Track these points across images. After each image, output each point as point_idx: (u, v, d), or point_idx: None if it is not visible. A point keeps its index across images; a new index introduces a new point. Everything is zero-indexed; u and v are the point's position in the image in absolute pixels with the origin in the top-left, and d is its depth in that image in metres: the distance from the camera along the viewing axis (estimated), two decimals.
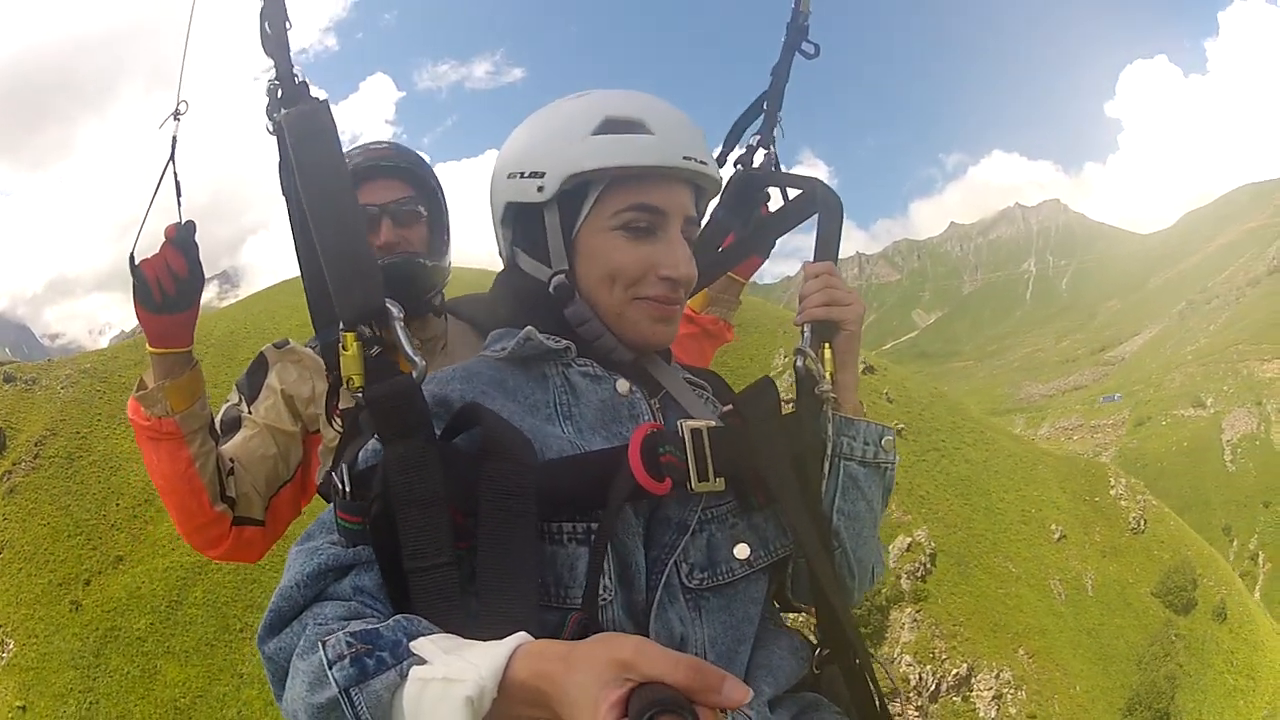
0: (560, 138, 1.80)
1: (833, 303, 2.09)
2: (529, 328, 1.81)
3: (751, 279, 3.22)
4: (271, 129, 2.05)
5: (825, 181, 2.37)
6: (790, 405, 2.06)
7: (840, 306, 2.08)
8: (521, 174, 1.83)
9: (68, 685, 41.83)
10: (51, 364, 60.57)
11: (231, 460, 2.69)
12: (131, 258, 2.25)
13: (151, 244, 2.29)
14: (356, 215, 1.78)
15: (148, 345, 2.40)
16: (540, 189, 1.80)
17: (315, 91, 2.02)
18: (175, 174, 2.18)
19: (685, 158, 1.78)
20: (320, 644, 1.33)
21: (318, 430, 2.85)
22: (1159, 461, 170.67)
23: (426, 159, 3.04)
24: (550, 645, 1.21)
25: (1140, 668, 62.88)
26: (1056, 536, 67.74)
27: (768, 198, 2.75)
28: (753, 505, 1.87)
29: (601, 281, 1.82)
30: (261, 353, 2.94)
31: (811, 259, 2.19)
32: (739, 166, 2.44)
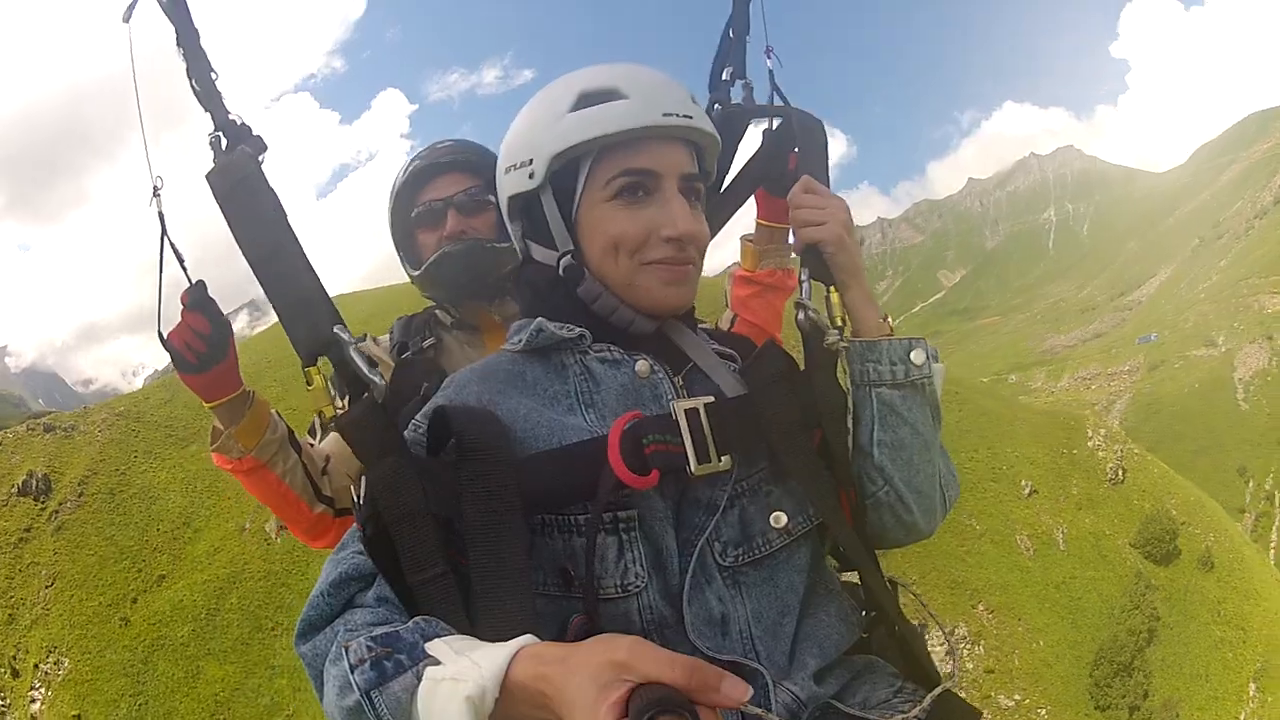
0: (541, 122, 1.83)
1: (806, 223, 2.06)
2: (539, 319, 1.84)
3: None
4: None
5: (802, 109, 2.42)
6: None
7: (814, 226, 2.05)
8: (514, 165, 1.87)
9: (119, 691, 45.22)
10: (88, 410, 62.74)
11: (327, 458, 2.83)
12: (160, 334, 2.41)
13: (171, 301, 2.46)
14: (295, 251, 1.82)
15: (203, 401, 2.54)
16: (531, 175, 1.82)
17: (256, 134, 2.05)
18: (173, 245, 2.29)
19: (665, 114, 1.78)
20: (344, 649, 1.37)
21: None
22: (1173, 405, 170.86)
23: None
24: (550, 647, 1.24)
25: (1112, 620, 61.26)
26: (1026, 492, 66.90)
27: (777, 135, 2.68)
28: (787, 471, 1.83)
29: (606, 253, 1.82)
30: None
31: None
32: (717, 106, 2.51)
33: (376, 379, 1.70)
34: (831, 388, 1.95)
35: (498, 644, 1.28)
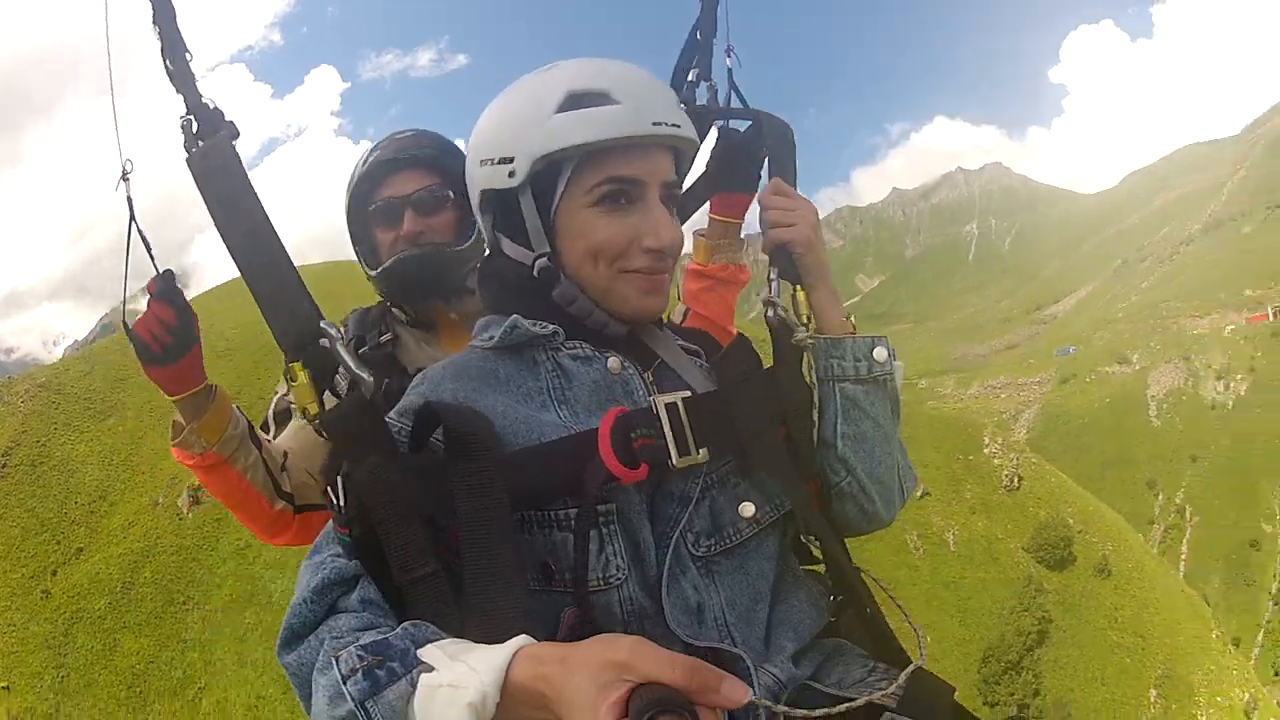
0: (525, 119, 1.77)
1: (776, 224, 2.11)
2: (515, 316, 1.82)
3: None
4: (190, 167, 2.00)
5: (769, 112, 2.44)
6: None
7: (784, 228, 2.09)
8: (492, 160, 1.81)
9: (43, 664, 45.43)
10: (11, 381, 63.28)
11: (285, 453, 2.75)
12: (125, 324, 2.33)
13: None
14: (276, 244, 1.76)
15: (165, 395, 2.47)
16: (511, 174, 1.78)
17: (230, 118, 2.02)
18: (140, 231, 2.21)
19: (655, 123, 1.75)
20: (334, 659, 1.36)
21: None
22: (1082, 418, 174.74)
23: (460, 145, 3.01)
24: (548, 647, 1.24)
25: (1001, 620, 63.05)
26: (919, 494, 66.78)
27: (736, 133, 2.72)
28: (752, 464, 1.87)
29: (585, 259, 1.80)
30: None
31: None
32: (683, 106, 2.25)
33: (365, 375, 1.69)
34: (798, 383, 2.01)
35: (493, 646, 1.28)
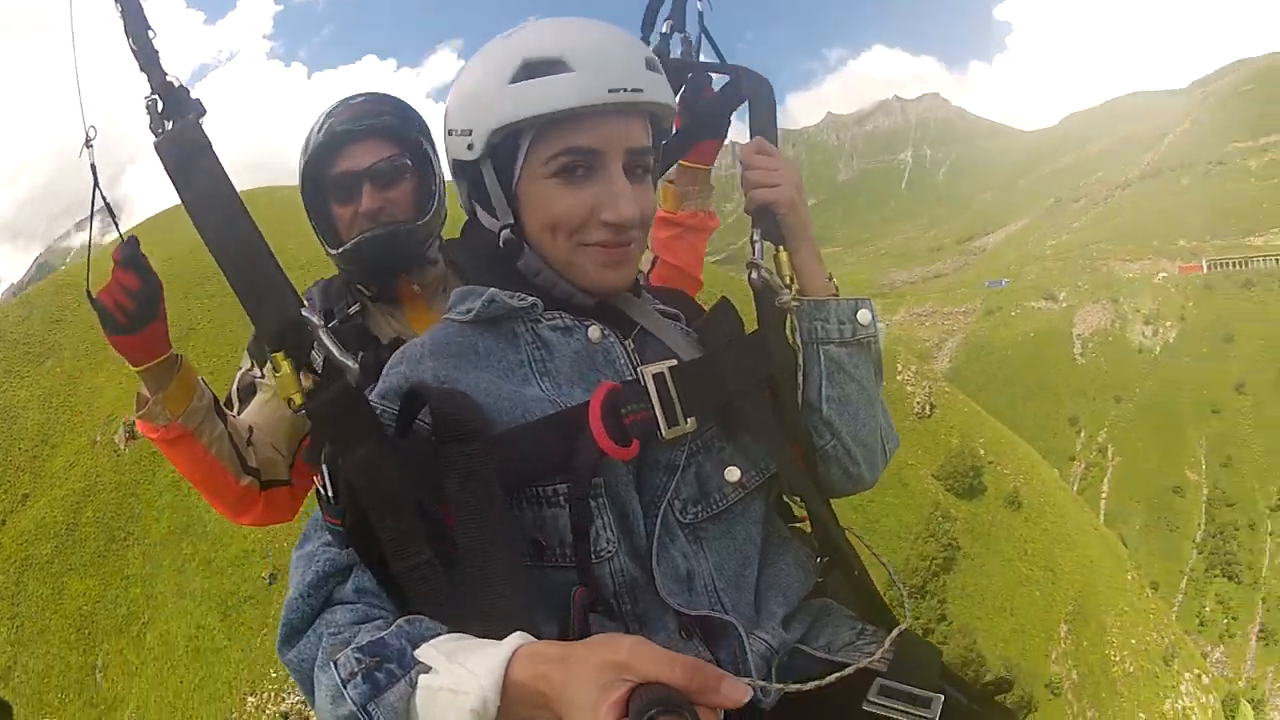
0: (482, 90, 1.75)
1: (759, 184, 2.09)
2: (492, 289, 1.82)
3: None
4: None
5: (747, 67, 2.41)
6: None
7: (767, 188, 2.07)
8: (455, 132, 1.82)
9: None
10: None
11: (250, 428, 2.76)
12: (89, 292, 2.30)
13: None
14: (252, 231, 1.70)
15: (130, 365, 2.46)
16: (470, 146, 1.77)
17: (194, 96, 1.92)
18: (104, 198, 2.22)
19: (611, 90, 1.69)
20: (332, 663, 1.37)
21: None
22: (1005, 350, 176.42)
23: (416, 112, 3.03)
24: (548, 646, 1.24)
25: (906, 545, 64.65)
26: None
27: (707, 80, 2.70)
28: (738, 428, 1.90)
29: (544, 231, 1.79)
30: None
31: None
32: (656, 61, 2.18)
33: (350, 362, 1.66)
34: (782, 345, 2.01)
35: (491, 645, 1.29)
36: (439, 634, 1.42)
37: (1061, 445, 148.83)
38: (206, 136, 1.76)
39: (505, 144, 1.74)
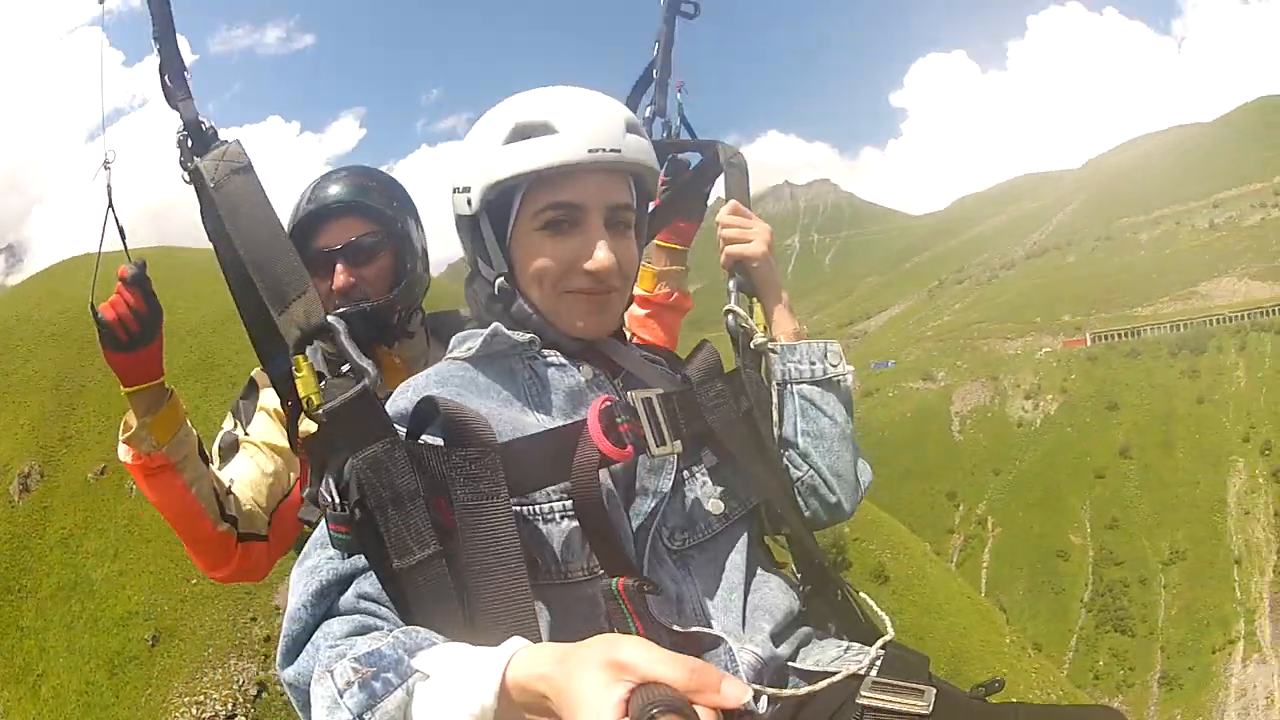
0: (479, 150, 1.93)
1: (735, 241, 2.35)
2: (495, 325, 1.95)
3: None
4: (188, 179, 2.05)
5: (724, 142, 2.64)
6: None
7: (742, 244, 2.34)
8: (457, 189, 1.98)
9: None
10: None
11: (230, 480, 2.78)
12: (92, 306, 2.36)
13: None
14: (289, 251, 1.83)
15: (123, 387, 2.50)
16: (469, 202, 1.94)
17: (224, 136, 2.06)
18: (117, 219, 2.30)
19: (591, 150, 1.86)
20: (329, 674, 1.40)
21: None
22: (881, 430, 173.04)
23: (398, 181, 3.16)
24: (546, 648, 1.26)
25: None
26: None
27: (687, 165, 2.87)
28: (721, 461, 2.05)
29: (532, 280, 1.94)
30: (251, 376, 3.09)
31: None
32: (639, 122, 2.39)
33: (368, 365, 1.73)
34: (759, 384, 2.21)
35: (489, 650, 1.30)
36: (435, 642, 1.44)
37: (939, 519, 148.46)
38: (263, 188, 1.90)
39: (500, 200, 1.91)
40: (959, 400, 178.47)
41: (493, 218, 1.94)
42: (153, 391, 2.50)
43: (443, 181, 2.08)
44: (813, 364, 2.21)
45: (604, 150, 1.87)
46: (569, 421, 1.86)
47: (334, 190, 2.90)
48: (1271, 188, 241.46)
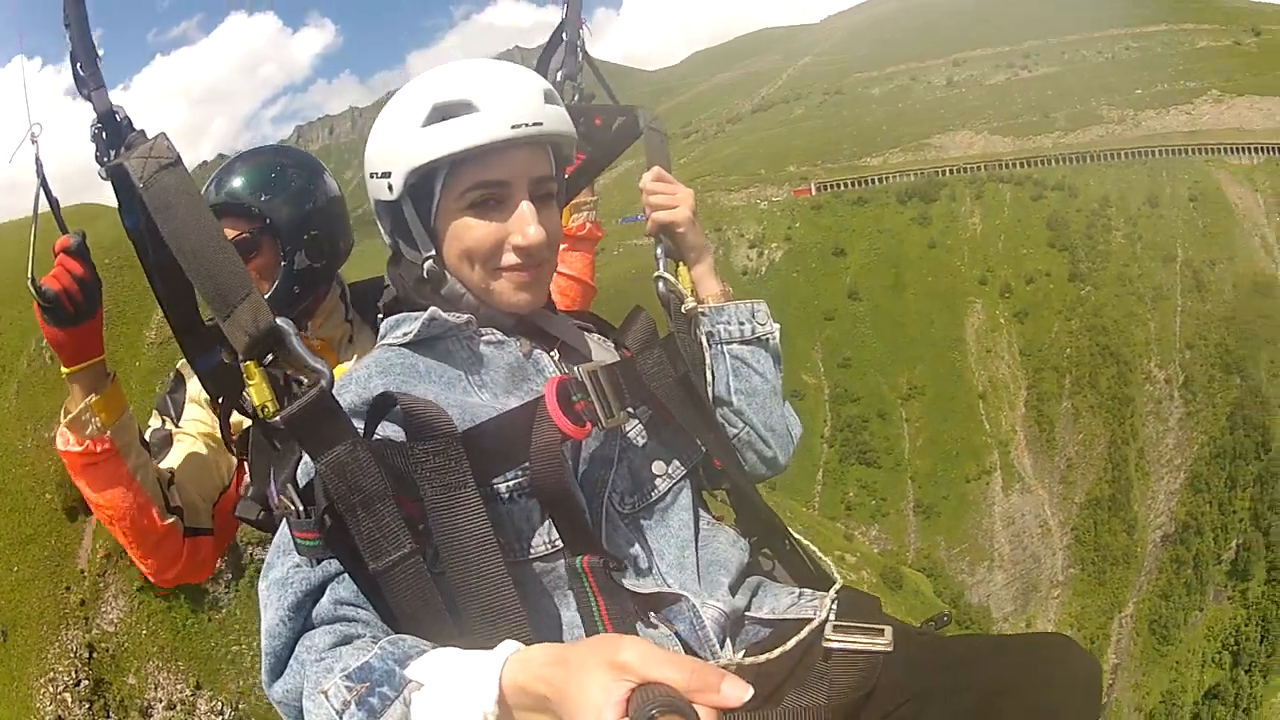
0: (397, 135, 1.94)
1: (661, 207, 2.43)
2: (432, 309, 1.97)
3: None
4: (105, 175, 1.96)
5: (643, 107, 2.81)
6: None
7: (668, 210, 2.42)
8: (374, 175, 2.01)
9: None
10: None
11: (171, 472, 2.73)
12: (32, 279, 2.28)
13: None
14: (229, 252, 1.73)
15: (64, 368, 2.45)
16: (390, 187, 1.96)
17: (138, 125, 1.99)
18: (49, 191, 2.24)
19: (514, 126, 1.89)
20: (322, 694, 1.40)
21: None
22: (609, 289, 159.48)
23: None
24: (544, 649, 1.26)
25: None
26: None
27: (598, 113, 2.94)
28: (658, 424, 2.12)
29: (461, 261, 1.99)
30: (176, 369, 3.09)
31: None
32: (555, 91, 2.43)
33: (322, 366, 1.68)
34: (692, 346, 2.30)
35: (480, 655, 1.32)
36: (424, 650, 1.44)
37: None
38: (194, 184, 1.78)
39: (422, 183, 1.94)
40: None
41: (416, 201, 1.97)
42: (95, 370, 2.44)
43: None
44: (741, 324, 2.32)
45: (526, 125, 1.89)
46: (519, 402, 1.90)
47: (220, 182, 2.97)
48: (1020, 51, 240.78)
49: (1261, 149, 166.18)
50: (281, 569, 1.68)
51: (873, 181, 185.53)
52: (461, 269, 2.00)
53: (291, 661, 1.60)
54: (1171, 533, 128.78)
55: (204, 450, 2.87)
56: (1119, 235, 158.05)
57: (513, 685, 1.23)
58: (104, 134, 1.96)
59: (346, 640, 1.57)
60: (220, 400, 2.38)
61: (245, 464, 2.87)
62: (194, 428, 2.91)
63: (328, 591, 1.64)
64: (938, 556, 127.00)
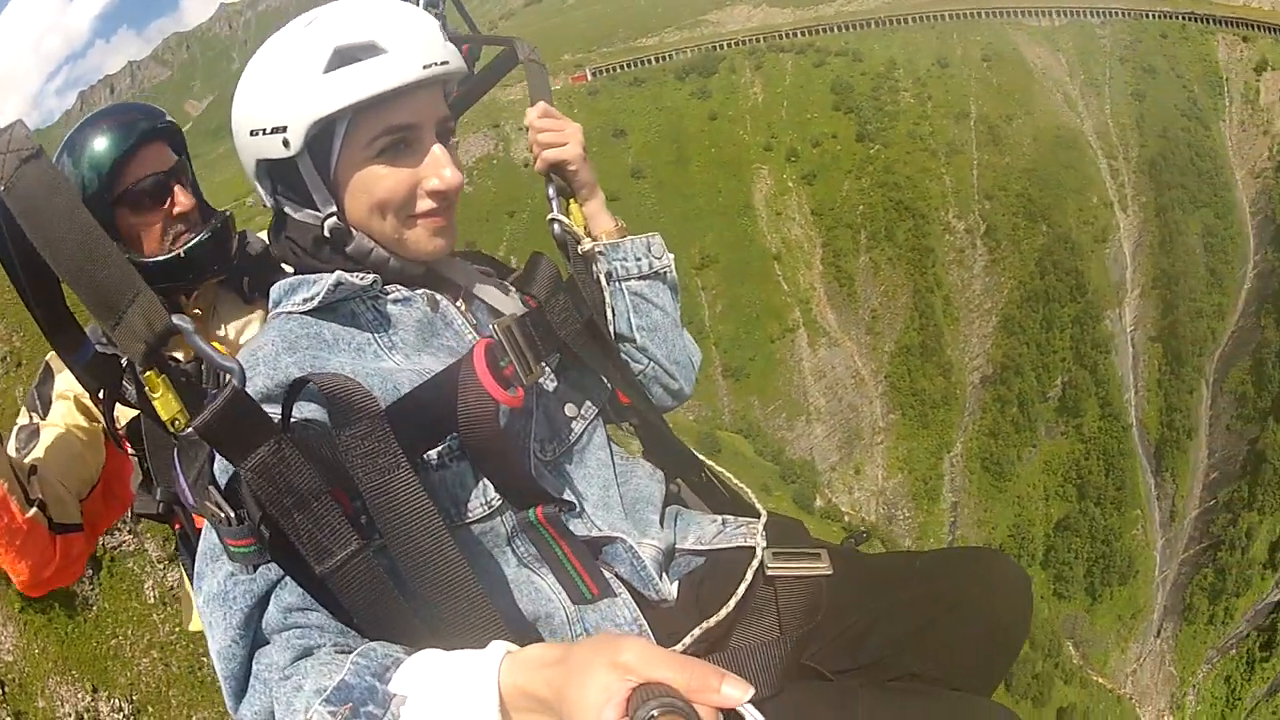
0: (293, 84, 1.78)
1: (550, 145, 2.36)
2: (338, 273, 1.87)
3: None
4: None
5: (517, 38, 2.73)
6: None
7: (558, 148, 2.36)
8: (264, 130, 1.83)
9: None
10: None
11: (33, 466, 2.62)
12: None
13: None
14: (110, 251, 1.55)
15: None
16: (286, 143, 1.80)
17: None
18: None
19: (425, 66, 1.80)
20: None
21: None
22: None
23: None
24: (542, 649, 1.26)
25: None
26: None
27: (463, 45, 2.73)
28: (565, 366, 2.12)
29: (372, 213, 1.88)
30: (46, 361, 2.91)
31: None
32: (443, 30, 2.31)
33: (232, 364, 1.55)
34: (592, 287, 2.26)
35: (469, 658, 1.30)
36: (399, 658, 1.40)
37: None
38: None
39: (320, 134, 1.80)
40: (464, 154, 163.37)
41: (313, 155, 1.84)
42: None
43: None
44: (638, 259, 2.30)
45: (435, 64, 1.82)
46: (433, 360, 1.86)
47: (138, 121, 2.70)
48: None
49: (1064, 11, 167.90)
50: (216, 581, 1.59)
51: (649, 62, 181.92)
52: (371, 222, 1.89)
53: (252, 681, 1.53)
54: (990, 374, 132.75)
55: (72, 444, 2.74)
56: (908, 96, 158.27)
57: (512, 688, 1.22)
58: None
59: (307, 652, 1.51)
60: (101, 394, 2.30)
61: (132, 457, 2.79)
62: (62, 421, 2.76)
63: (273, 599, 1.56)
64: (753, 417, 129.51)
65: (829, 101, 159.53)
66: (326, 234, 1.88)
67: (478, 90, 2.78)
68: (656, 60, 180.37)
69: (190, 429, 1.51)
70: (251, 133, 1.84)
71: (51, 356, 2.79)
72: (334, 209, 1.87)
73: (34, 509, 2.45)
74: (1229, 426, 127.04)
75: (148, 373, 1.58)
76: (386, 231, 1.89)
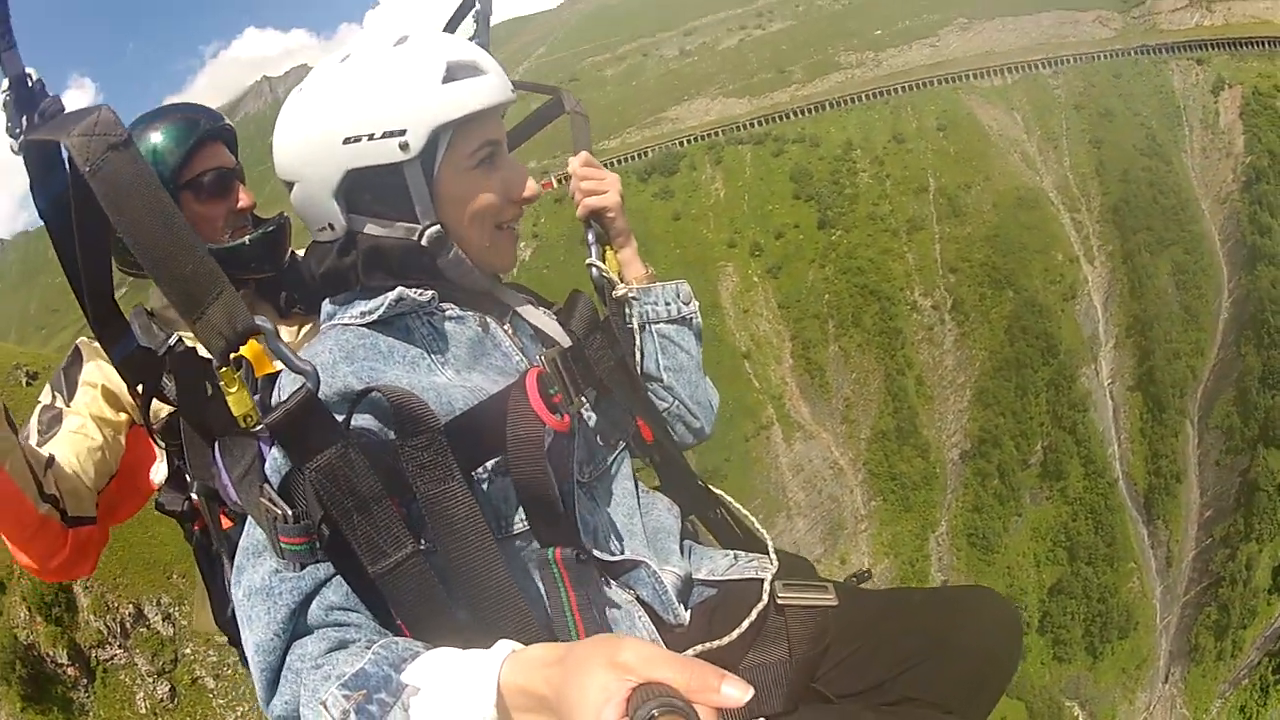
0: (411, 90, 1.85)
1: (591, 193, 2.48)
2: (399, 288, 1.94)
3: None
4: (17, 149, 1.79)
5: (564, 89, 2.84)
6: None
7: (598, 195, 2.47)
8: (371, 135, 1.85)
9: None
10: None
11: (50, 458, 2.60)
12: None
13: None
14: (197, 245, 1.56)
15: None
16: (404, 146, 1.85)
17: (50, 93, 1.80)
18: None
19: (512, 90, 2.00)
20: (321, 705, 1.41)
21: (142, 423, 2.75)
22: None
23: None
24: (542, 649, 1.27)
25: None
26: None
27: None
28: (598, 400, 2.20)
29: (472, 222, 1.98)
30: (76, 345, 2.92)
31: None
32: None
33: (308, 368, 1.60)
34: (625, 328, 2.38)
35: (476, 656, 1.33)
36: (418, 652, 1.45)
37: None
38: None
39: (430, 143, 1.88)
40: None
41: (422, 163, 1.90)
42: None
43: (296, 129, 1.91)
44: (668, 305, 2.42)
45: (513, 90, 1.99)
46: (483, 379, 1.95)
47: (201, 119, 2.81)
48: (753, 10, 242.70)
49: (1014, 68, 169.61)
50: (260, 575, 1.63)
51: (614, 165, 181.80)
52: (470, 231, 1.98)
53: (285, 671, 1.57)
54: (969, 449, 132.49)
55: (94, 434, 2.73)
56: (866, 176, 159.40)
57: (511, 686, 1.23)
58: (16, 102, 1.74)
59: (342, 645, 1.55)
60: (138, 388, 2.28)
61: (165, 451, 2.79)
62: (86, 410, 2.77)
63: (318, 596, 1.61)
64: None
65: (789, 190, 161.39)
66: (424, 243, 1.93)
67: (525, 132, 2.89)
68: (620, 162, 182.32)
69: (261, 425, 1.60)
70: (347, 140, 1.85)
71: (83, 342, 2.88)
72: (434, 218, 1.94)
73: (47, 505, 2.49)
74: (1218, 462, 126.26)
75: (223, 369, 1.61)
76: (480, 241, 1.99)
